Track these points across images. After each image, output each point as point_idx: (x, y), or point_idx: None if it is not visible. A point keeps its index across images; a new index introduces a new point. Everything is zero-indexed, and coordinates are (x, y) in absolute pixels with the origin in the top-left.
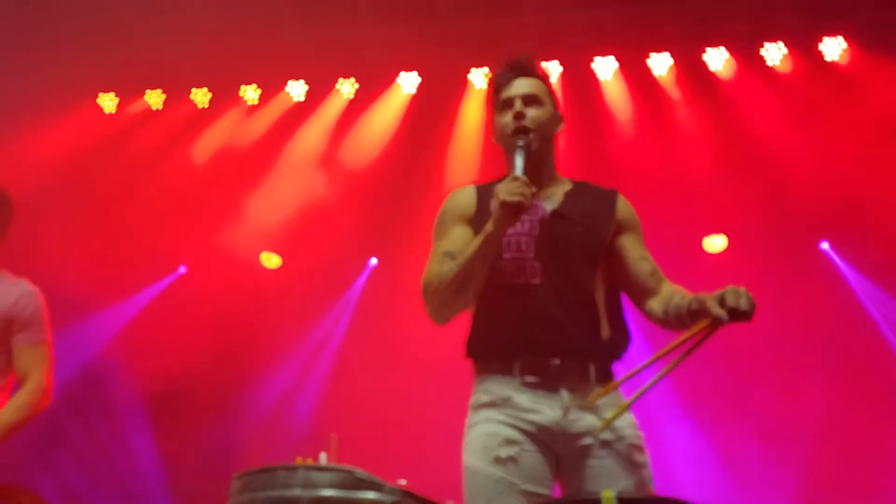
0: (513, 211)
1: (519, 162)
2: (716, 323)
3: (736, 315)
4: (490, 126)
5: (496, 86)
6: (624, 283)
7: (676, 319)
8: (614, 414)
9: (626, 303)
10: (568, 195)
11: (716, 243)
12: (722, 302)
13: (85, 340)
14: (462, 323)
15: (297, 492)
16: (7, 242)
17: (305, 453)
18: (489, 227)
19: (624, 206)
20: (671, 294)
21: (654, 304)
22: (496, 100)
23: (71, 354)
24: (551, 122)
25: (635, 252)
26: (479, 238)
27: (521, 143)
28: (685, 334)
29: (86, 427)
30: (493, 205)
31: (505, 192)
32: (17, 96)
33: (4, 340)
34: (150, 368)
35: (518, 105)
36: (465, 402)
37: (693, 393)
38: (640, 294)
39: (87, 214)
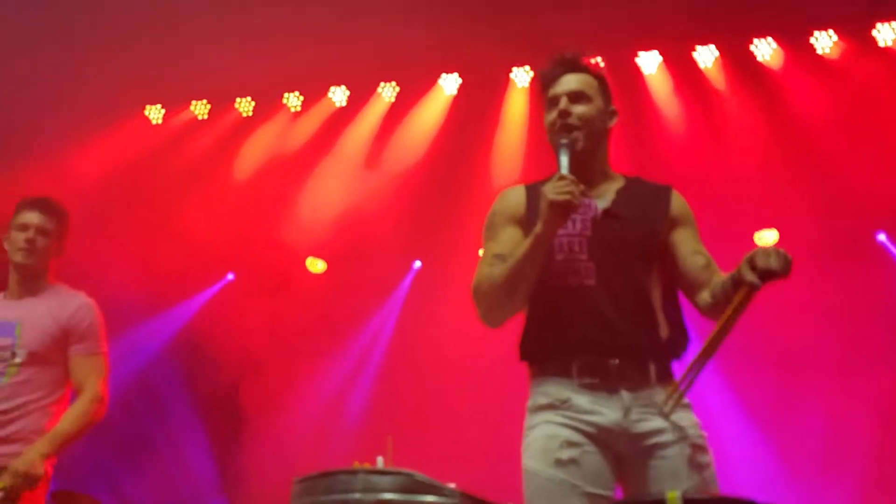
0: (562, 210)
1: (564, 160)
2: (752, 288)
3: (768, 275)
4: (535, 124)
5: (543, 83)
6: (678, 278)
7: (724, 298)
8: (674, 397)
9: (685, 301)
10: (620, 192)
11: (767, 237)
12: (753, 265)
13: (137, 348)
14: (512, 323)
15: (357, 496)
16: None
17: (358, 457)
18: (538, 228)
19: (678, 202)
20: (718, 278)
21: (705, 294)
22: (543, 97)
23: (124, 362)
24: (600, 118)
25: (688, 246)
26: (529, 240)
27: (564, 140)
28: (728, 309)
29: (140, 432)
30: (542, 205)
31: (552, 191)
32: (65, 110)
33: (62, 351)
34: (201, 375)
35: (563, 103)
36: (517, 404)
37: (750, 391)
38: (693, 288)
39: (136, 225)
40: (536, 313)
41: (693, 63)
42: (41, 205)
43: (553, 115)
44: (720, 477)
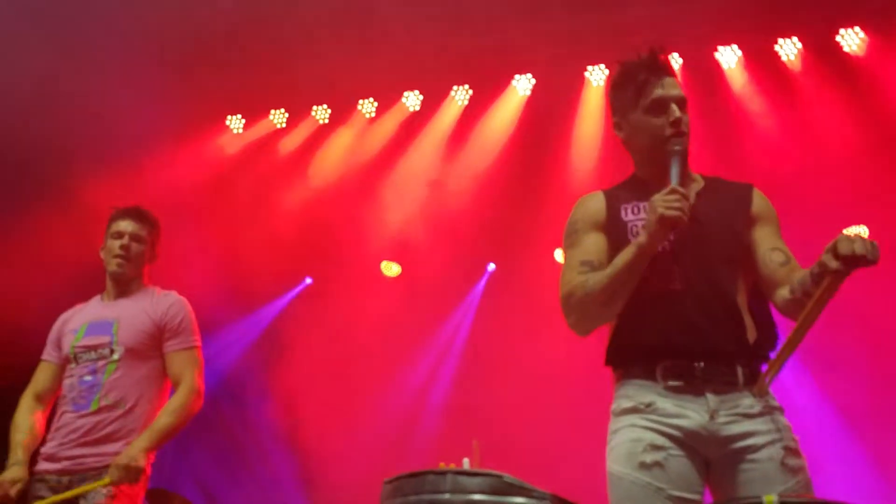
0: (671, 225)
1: (675, 171)
2: (837, 275)
3: (853, 262)
4: (610, 121)
5: (641, 81)
6: (757, 276)
7: (803, 294)
8: (772, 373)
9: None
10: (701, 195)
11: (859, 233)
12: (836, 253)
13: (219, 352)
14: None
15: (447, 496)
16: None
17: (441, 460)
18: (643, 239)
19: (759, 200)
20: (798, 274)
21: (783, 291)
22: (640, 96)
23: (207, 365)
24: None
25: (768, 243)
26: (631, 250)
27: (678, 147)
28: (810, 302)
29: (226, 436)
30: (648, 217)
31: (663, 204)
32: (152, 121)
33: (158, 347)
34: (281, 378)
35: (678, 111)
36: (599, 407)
37: (843, 395)
38: (772, 285)
39: (218, 231)
40: (622, 318)
41: (775, 56)
42: (134, 213)
43: (661, 120)
44: (816, 481)
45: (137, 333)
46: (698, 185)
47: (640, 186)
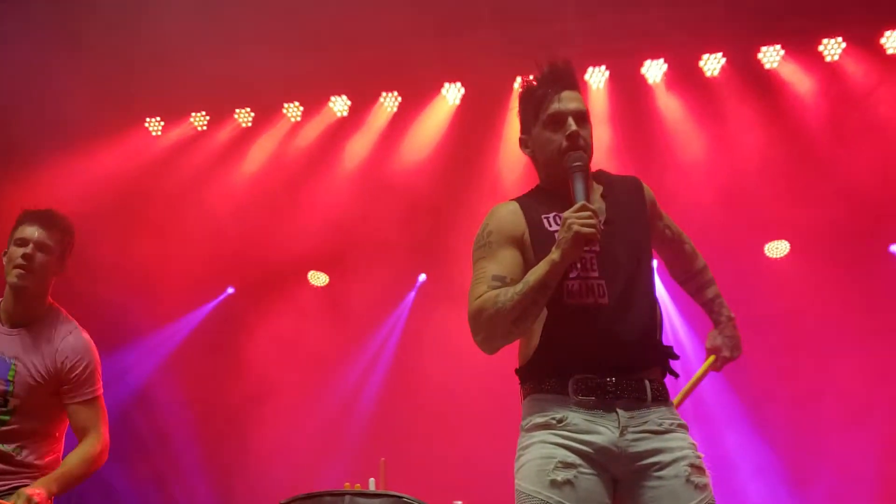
0: (585, 241)
1: (580, 187)
2: (715, 366)
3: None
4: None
5: (539, 95)
6: (660, 252)
7: (702, 305)
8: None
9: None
10: (605, 198)
11: (778, 248)
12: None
13: (136, 363)
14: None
15: None
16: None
17: (354, 479)
18: (556, 256)
19: (648, 192)
20: (707, 286)
21: (684, 278)
22: (539, 111)
23: (122, 377)
24: (592, 139)
25: (660, 223)
26: (544, 267)
27: (578, 163)
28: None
29: (139, 449)
30: (562, 234)
31: (577, 222)
32: (68, 120)
33: (57, 394)
34: (199, 390)
35: (574, 124)
36: (516, 423)
37: (760, 408)
38: (672, 259)
39: (136, 236)
40: (551, 333)
41: (699, 72)
42: (44, 218)
43: (557, 136)
44: (731, 498)
45: (35, 388)
46: (598, 189)
47: (552, 198)
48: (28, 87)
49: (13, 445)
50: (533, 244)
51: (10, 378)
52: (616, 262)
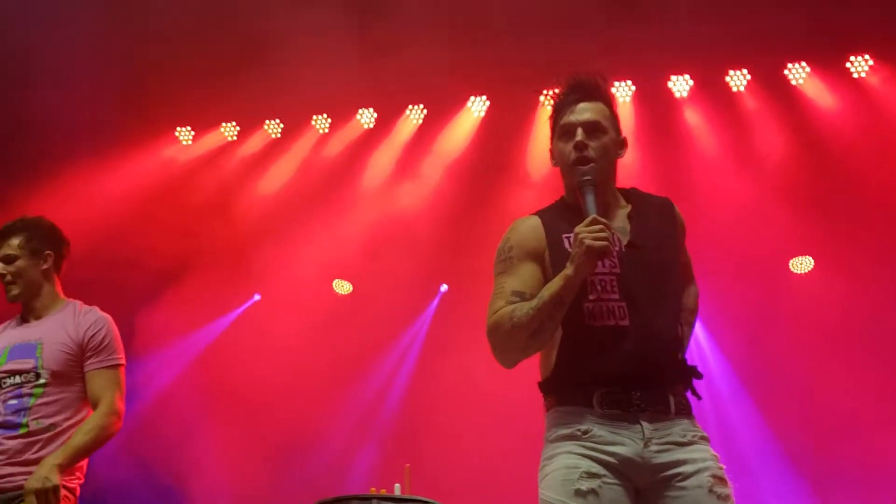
0: (597, 255)
1: (591, 200)
2: None
3: None
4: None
5: (557, 108)
6: None
7: None
8: None
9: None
10: (632, 218)
11: (802, 264)
12: None
13: (162, 369)
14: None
15: None
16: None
17: (379, 484)
18: (570, 271)
19: (680, 217)
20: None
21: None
22: (555, 123)
23: (149, 382)
24: (614, 149)
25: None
26: (559, 282)
27: (587, 177)
28: None
29: (164, 453)
30: (575, 249)
31: (588, 236)
32: (95, 130)
33: (80, 363)
34: (222, 395)
35: (580, 134)
36: (539, 433)
37: (784, 425)
38: None
39: (164, 244)
40: (569, 352)
41: (726, 87)
42: (8, 230)
43: (568, 146)
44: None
45: (61, 356)
46: (624, 207)
47: (574, 214)
48: (59, 95)
49: (48, 421)
50: (552, 264)
51: (38, 354)
52: (638, 284)
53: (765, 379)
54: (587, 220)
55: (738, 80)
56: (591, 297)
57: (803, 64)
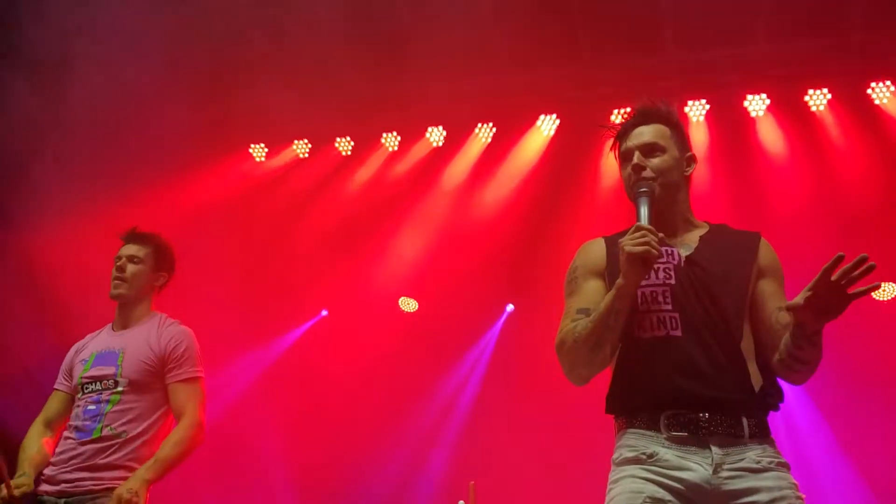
0: (639, 261)
1: (643, 211)
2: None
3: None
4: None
5: (617, 137)
6: (761, 334)
7: (788, 356)
8: None
9: None
10: (704, 240)
11: (885, 291)
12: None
13: (230, 381)
14: (606, 370)
15: None
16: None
17: (444, 502)
18: (620, 280)
19: (766, 251)
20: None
21: (776, 354)
22: (618, 151)
23: (218, 394)
24: (676, 167)
25: (775, 301)
26: (612, 293)
27: (643, 189)
28: None
29: (231, 465)
30: (620, 257)
31: (629, 242)
32: (178, 145)
33: (160, 379)
34: (290, 408)
35: (636, 157)
36: (606, 454)
37: (864, 447)
38: (774, 347)
39: (238, 259)
40: (623, 366)
41: (804, 106)
42: (131, 236)
43: (627, 170)
44: None
45: (141, 365)
46: (702, 230)
47: None
48: (137, 112)
49: (120, 429)
50: (610, 280)
51: (119, 363)
52: (693, 295)
53: (844, 404)
54: (632, 228)
55: (817, 99)
56: (641, 309)
57: (888, 83)
